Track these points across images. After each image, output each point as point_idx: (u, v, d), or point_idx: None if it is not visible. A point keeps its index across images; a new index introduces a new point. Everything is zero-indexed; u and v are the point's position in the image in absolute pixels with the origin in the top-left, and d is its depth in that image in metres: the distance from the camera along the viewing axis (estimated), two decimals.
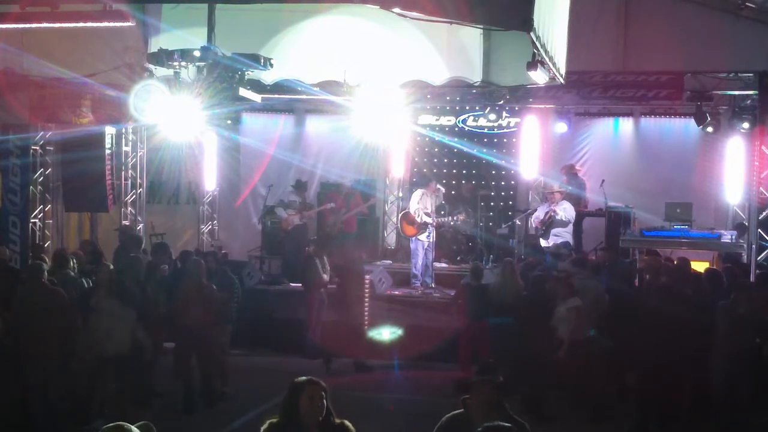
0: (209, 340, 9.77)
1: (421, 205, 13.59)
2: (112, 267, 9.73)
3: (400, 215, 14.47)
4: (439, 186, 14.23)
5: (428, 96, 14.65)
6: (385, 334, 10.66)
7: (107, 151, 13.68)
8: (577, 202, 13.91)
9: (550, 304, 10.08)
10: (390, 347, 11.83)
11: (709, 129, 13.37)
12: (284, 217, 14.39)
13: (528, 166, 15.14)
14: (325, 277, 12.28)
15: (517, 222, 15.14)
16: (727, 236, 12.60)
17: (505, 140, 15.66)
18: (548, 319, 9.73)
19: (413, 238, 13.65)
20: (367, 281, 12.21)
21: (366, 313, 11.91)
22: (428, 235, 13.51)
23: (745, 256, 12.00)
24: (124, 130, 14.55)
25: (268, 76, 11.39)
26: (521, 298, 10.47)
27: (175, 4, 9.43)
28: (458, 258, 14.95)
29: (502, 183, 15.84)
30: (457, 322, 11.25)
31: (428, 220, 13.49)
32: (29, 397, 8.59)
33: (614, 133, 15.00)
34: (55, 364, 8.42)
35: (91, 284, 9.86)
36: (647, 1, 12.24)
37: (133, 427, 3.97)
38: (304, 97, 13.97)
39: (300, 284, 12.80)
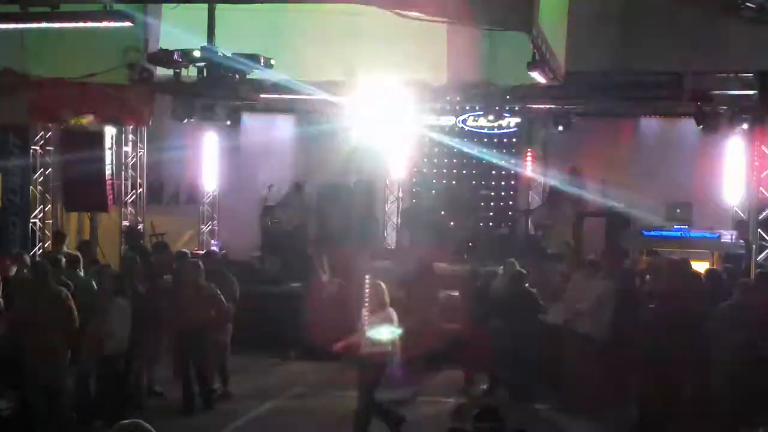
0: (209, 341, 9.78)
1: None
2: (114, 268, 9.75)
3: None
4: None
5: (428, 96, 14.65)
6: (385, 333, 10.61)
7: (107, 151, 13.67)
8: (578, 202, 13.91)
9: (532, 301, 10.33)
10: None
11: (708, 129, 13.36)
12: (283, 217, 14.39)
13: (528, 166, 15.14)
14: (324, 277, 12.29)
15: (518, 222, 15.14)
16: (727, 236, 12.60)
17: (505, 140, 15.65)
18: (530, 315, 10.11)
19: None
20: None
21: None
22: None
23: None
24: (124, 130, 14.54)
25: (268, 76, 11.40)
26: (504, 296, 10.50)
27: (175, 4, 9.44)
28: (458, 258, 14.93)
29: (502, 183, 15.83)
30: (458, 323, 11.25)
31: None
32: (31, 396, 8.59)
33: (614, 133, 14.98)
34: (59, 363, 8.39)
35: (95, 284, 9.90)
36: (647, 1, 12.24)
37: (150, 427, 3.95)
38: (304, 97, 13.98)
39: (300, 284, 12.81)
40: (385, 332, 8.61)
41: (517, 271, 10.62)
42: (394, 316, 8.78)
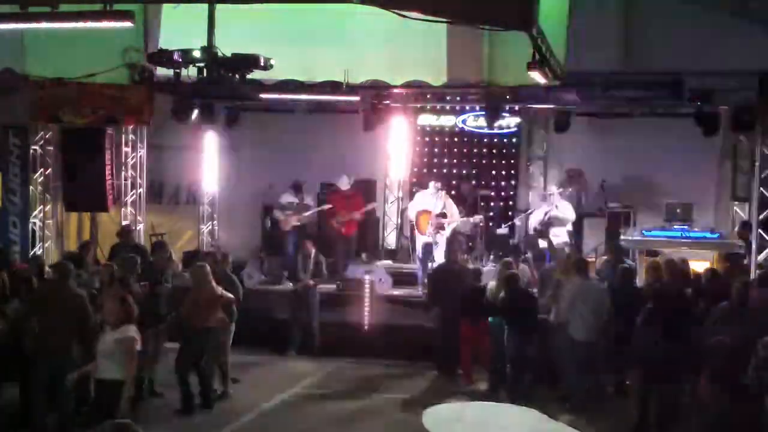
0: (215, 342, 9.80)
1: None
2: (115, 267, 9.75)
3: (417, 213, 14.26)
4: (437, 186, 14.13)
5: (428, 96, 14.64)
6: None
7: (107, 151, 13.67)
8: (577, 202, 13.91)
9: (530, 301, 10.39)
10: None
11: (708, 129, 13.33)
12: (282, 218, 14.39)
13: (527, 166, 15.12)
14: (303, 276, 12.28)
15: (517, 222, 15.14)
16: (727, 236, 12.60)
17: (505, 140, 15.64)
18: (529, 315, 10.22)
19: (424, 240, 13.64)
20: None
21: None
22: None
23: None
24: (124, 130, 14.54)
25: (268, 76, 11.40)
26: (502, 299, 10.51)
27: (175, 4, 9.45)
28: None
29: (502, 183, 15.83)
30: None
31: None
32: (33, 396, 8.59)
33: (614, 133, 14.96)
34: (66, 361, 8.38)
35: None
36: (648, 1, 12.26)
37: (139, 428, 3.96)
38: (304, 97, 13.97)
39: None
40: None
41: (511, 273, 10.64)
42: (135, 334, 7.40)
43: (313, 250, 12.62)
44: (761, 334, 8.02)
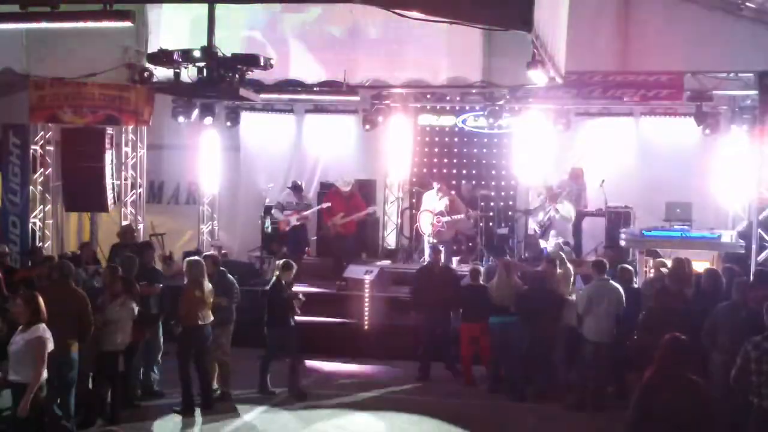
0: (210, 341, 9.80)
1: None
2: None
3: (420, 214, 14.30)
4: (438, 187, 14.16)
5: (428, 96, 14.66)
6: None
7: (107, 151, 13.69)
8: (578, 202, 13.91)
9: (551, 297, 10.28)
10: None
11: (708, 129, 13.36)
12: (281, 218, 14.39)
13: (528, 166, 15.10)
14: (269, 276, 12.30)
15: (517, 222, 15.14)
16: (727, 236, 12.61)
17: (505, 140, 15.63)
18: (551, 312, 10.06)
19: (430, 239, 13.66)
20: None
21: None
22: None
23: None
24: (124, 130, 14.56)
25: (268, 76, 11.40)
26: (521, 294, 10.48)
27: (175, 4, 9.47)
28: (458, 258, 14.92)
29: (502, 183, 15.82)
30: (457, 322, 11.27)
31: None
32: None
33: (614, 133, 14.97)
34: (65, 362, 8.38)
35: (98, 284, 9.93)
36: (647, 1, 12.27)
37: None
38: (304, 97, 13.98)
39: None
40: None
41: (536, 272, 10.61)
42: (43, 334, 7.07)
43: (284, 249, 12.48)
44: (759, 334, 8.02)
